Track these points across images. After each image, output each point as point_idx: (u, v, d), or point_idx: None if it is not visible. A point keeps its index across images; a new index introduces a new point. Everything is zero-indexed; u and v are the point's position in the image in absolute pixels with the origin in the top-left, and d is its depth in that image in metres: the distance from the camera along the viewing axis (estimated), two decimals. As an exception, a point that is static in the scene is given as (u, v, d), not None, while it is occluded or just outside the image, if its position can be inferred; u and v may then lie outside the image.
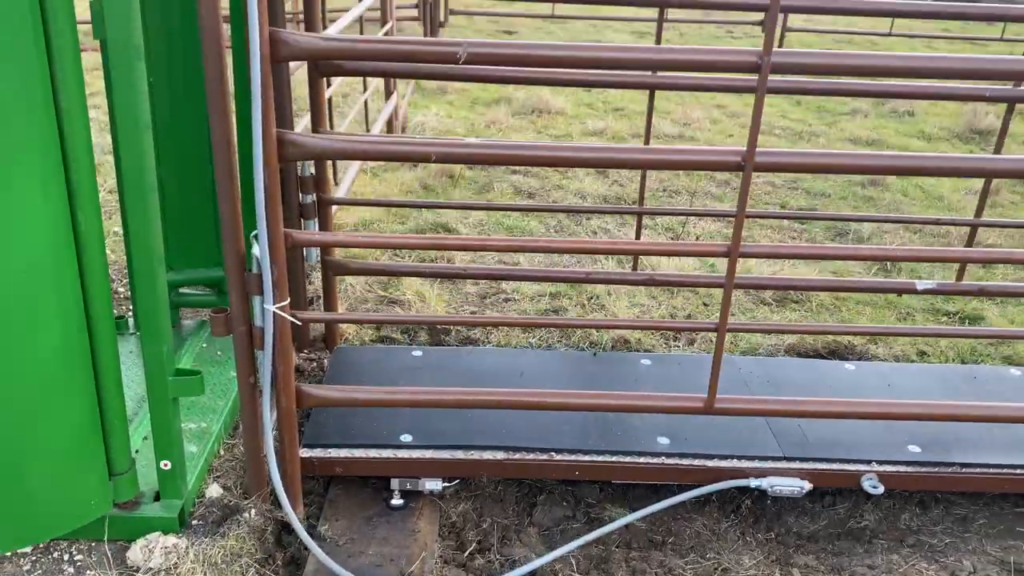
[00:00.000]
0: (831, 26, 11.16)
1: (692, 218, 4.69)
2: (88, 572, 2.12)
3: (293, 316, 2.07)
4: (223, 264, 3.01)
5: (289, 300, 2.08)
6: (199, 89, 2.77)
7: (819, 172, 2.66)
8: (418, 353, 2.97)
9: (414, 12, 10.32)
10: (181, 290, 3.10)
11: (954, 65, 1.97)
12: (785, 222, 4.81)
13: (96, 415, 2.06)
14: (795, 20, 10.58)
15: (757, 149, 1.95)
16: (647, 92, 2.87)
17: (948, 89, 2.74)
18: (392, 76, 5.30)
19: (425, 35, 10.45)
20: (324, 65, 2.60)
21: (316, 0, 2.53)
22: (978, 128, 7.11)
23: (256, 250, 1.98)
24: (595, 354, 3.03)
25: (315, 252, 2.97)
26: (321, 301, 3.27)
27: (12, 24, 1.68)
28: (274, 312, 2.02)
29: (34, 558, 2.16)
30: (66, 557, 2.16)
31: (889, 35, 10.67)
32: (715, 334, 2.24)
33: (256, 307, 2.06)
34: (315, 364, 3.11)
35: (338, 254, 2.99)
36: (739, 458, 2.49)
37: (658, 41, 2.73)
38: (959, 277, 3.17)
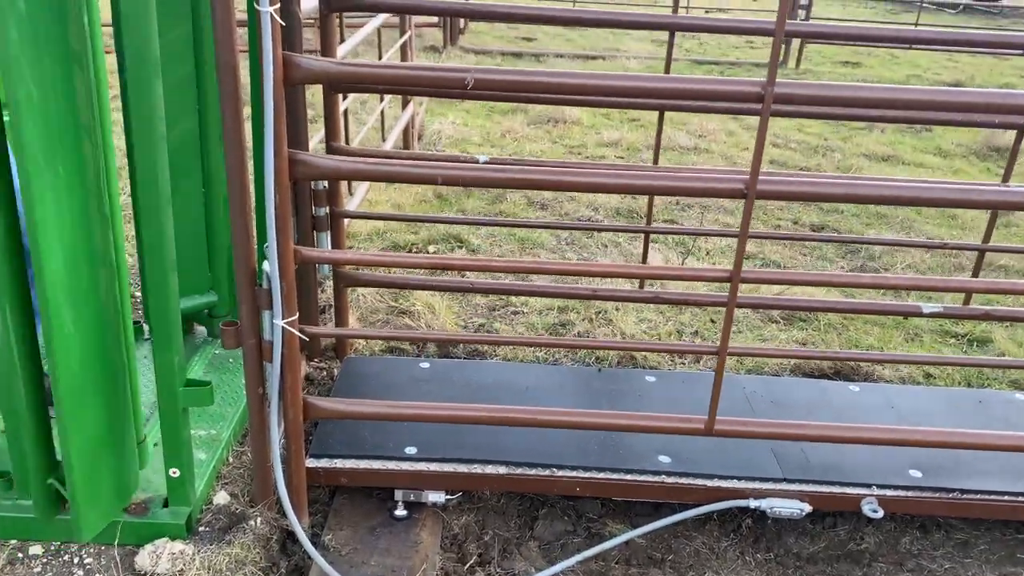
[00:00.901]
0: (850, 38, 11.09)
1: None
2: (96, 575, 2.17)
3: (301, 331, 2.12)
4: (216, 288, 3.06)
5: (298, 314, 2.12)
6: (196, 123, 2.80)
7: (821, 200, 2.67)
8: (426, 365, 3.01)
9: (434, 19, 10.38)
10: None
11: (951, 99, 1.98)
12: (797, 238, 4.81)
13: (128, 398, 2.19)
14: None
15: (760, 176, 1.98)
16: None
17: (953, 116, 2.75)
18: (403, 93, 5.37)
19: (445, 41, 10.53)
20: (337, 83, 2.65)
21: (332, 25, 2.58)
22: (996, 145, 7.06)
23: (266, 265, 2.02)
24: (600, 370, 3.06)
25: (327, 265, 3.02)
26: (333, 310, 3.32)
27: (65, 21, 1.76)
28: (283, 327, 2.07)
29: (45, 560, 2.22)
30: (76, 560, 2.22)
31: (910, 48, 10.64)
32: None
33: (266, 321, 2.11)
34: (325, 373, 3.16)
35: (349, 267, 3.04)
36: (739, 479, 2.50)
37: (668, 63, 2.76)
38: (966, 301, 3.17)
